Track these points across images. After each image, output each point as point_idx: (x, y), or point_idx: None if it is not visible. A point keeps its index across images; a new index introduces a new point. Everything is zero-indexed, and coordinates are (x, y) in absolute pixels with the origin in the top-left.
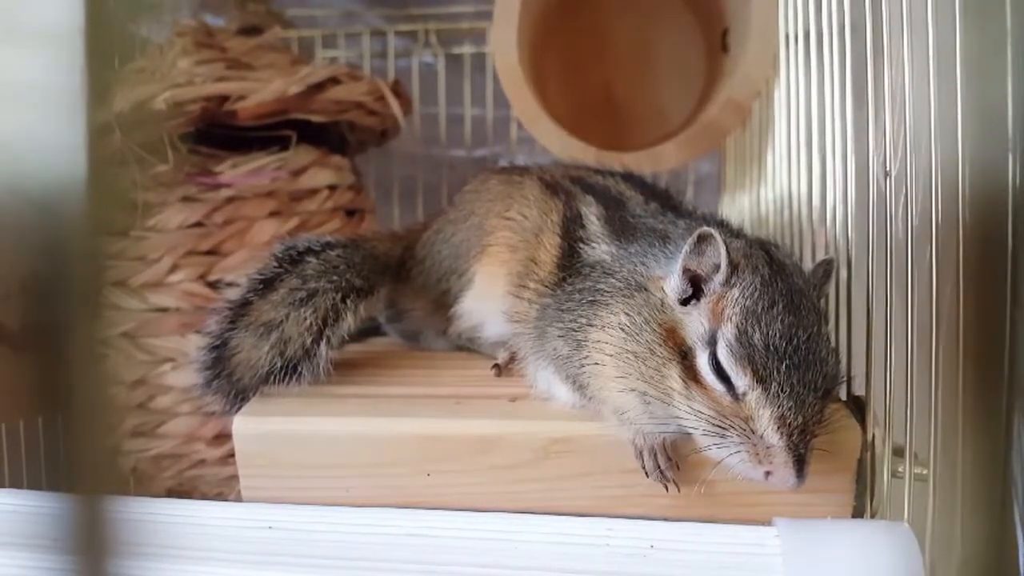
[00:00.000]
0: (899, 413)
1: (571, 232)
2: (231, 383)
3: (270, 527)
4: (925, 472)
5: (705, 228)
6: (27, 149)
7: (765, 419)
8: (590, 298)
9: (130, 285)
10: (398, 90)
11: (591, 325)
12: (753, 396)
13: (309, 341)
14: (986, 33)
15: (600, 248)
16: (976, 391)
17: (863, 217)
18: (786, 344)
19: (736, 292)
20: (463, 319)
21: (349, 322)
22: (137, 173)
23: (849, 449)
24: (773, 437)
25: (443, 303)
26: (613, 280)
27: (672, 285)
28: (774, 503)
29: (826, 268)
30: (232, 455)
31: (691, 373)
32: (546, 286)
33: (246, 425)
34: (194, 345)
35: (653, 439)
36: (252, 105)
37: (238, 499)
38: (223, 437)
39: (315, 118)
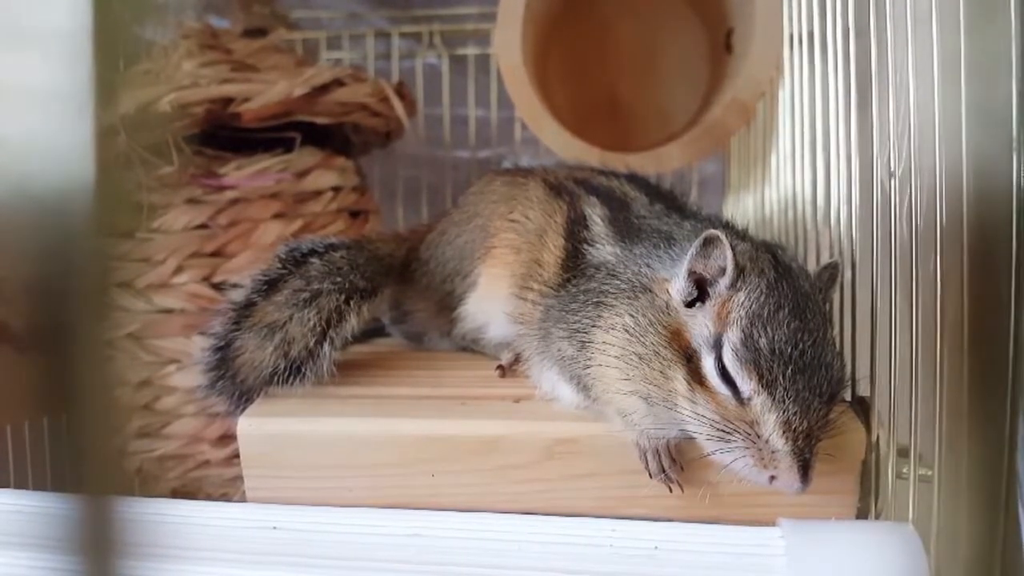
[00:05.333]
0: (903, 414)
1: (575, 233)
2: (235, 384)
3: (274, 527)
4: (929, 473)
5: (712, 231)
6: (33, 151)
7: (770, 424)
8: (595, 299)
9: (135, 286)
10: (402, 91)
11: (596, 326)
12: (758, 400)
13: (312, 342)
14: (990, 33)
15: (604, 249)
16: (980, 392)
17: (867, 218)
18: (792, 349)
19: (742, 296)
20: (467, 320)
21: (352, 323)
22: (142, 175)
23: (854, 450)
24: (778, 442)
25: (447, 304)
26: (618, 281)
27: (677, 287)
28: (778, 504)
29: (831, 272)
30: (236, 456)
31: (696, 376)
32: (550, 287)
33: (250, 426)
34: (198, 346)
35: (657, 440)
36: (257, 107)
37: (242, 500)
38: (227, 438)
39: (319, 120)
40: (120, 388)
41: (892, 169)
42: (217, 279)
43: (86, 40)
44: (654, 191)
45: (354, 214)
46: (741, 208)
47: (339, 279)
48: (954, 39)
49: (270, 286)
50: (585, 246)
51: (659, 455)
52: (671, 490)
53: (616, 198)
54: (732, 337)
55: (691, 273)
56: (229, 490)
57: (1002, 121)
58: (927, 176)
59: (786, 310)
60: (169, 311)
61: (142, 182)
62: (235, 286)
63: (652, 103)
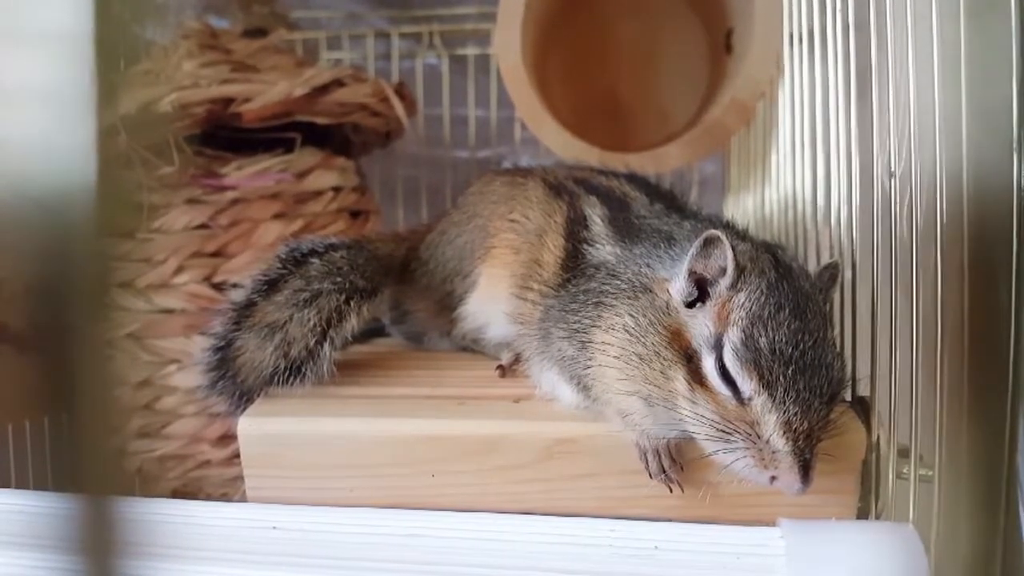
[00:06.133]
0: (904, 414)
1: (575, 233)
2: (236, 384)
3: (274, 527)
4: (930, 473)
5: (712, 231)
6: (34, 151)
7: (771, 424)
8: (595, 299)
9: (135, 286)
10: (402, 92)
11: (596, 326)
12: (759, 401)
13: (312, 342)
14: (990, 32)
15: (604, 249)
16: (980, 392)
17: (867, 218)
18: (792, 349)
19: (742, 296)
20: (467, 320)
21: (352, 323)
22: (142, 175)
23: (854, 450)
24: (779, 442)
25: (447, 304)
26: (618, 281)
27: (677, 287)
28: (778, 504)
29: (832, 272)
30: (237, 456)
31: (696, 376)
32: (550, 287)
33: (251, 426)
34: (199, 346)
35: (657, 441)
36: (257, 107)
37: (243, 500)
38: (228, 438)
39: (320, 120)
40: (120, 388)
41: (892, 169)
42: (217, 279)
43: (87, 40)
44: (654, 191)
45: (354, 214)
46: (741, 208)
47: (339, 279)
48: (954, 38)
49: (270, 286)
50: (585, 246)
51: (659, 455)
52: (671, 490)
53: (616, 198)
54: (732, 337)
55: (691, 273)
56: (229, 490)
57: (1002, 119)
58: (927, 176)
59: (787, 310)
60: (169, 311)
61: (143, 182)
62: (235, 286)
63: (652, 103)
